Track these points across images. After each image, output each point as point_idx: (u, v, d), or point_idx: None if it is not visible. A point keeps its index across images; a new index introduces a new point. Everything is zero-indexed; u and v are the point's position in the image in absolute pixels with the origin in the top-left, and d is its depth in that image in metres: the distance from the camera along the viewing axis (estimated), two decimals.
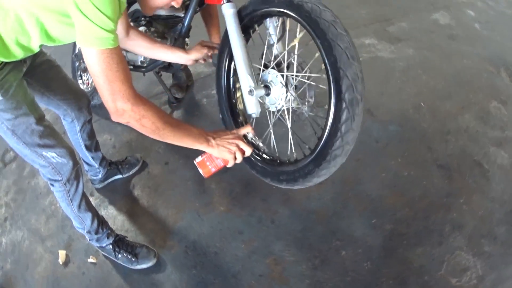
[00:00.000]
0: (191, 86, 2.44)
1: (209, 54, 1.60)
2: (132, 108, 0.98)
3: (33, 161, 1.30)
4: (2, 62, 1.10)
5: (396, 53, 2.64)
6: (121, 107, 0.97)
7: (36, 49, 1.14)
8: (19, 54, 1.11)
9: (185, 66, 2.04)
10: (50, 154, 1.27)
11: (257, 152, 1.37)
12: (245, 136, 1.27)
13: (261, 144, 1.36)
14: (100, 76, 0.94)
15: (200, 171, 1.25)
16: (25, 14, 1.00)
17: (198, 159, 1.24)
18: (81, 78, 2.29)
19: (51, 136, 1.26)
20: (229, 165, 1.21)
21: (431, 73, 2.46)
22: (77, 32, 0.92)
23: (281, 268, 1.58)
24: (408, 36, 2.80)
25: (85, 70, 2.26)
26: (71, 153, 1.34)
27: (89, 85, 2.26)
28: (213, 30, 2.37)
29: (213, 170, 1.23)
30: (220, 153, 1.16)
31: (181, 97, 2.31)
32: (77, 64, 2.30)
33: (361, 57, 2.53)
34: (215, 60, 2.54)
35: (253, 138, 1.29)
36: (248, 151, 1.20)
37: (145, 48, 1.47)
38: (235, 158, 1.18)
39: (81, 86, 2.27)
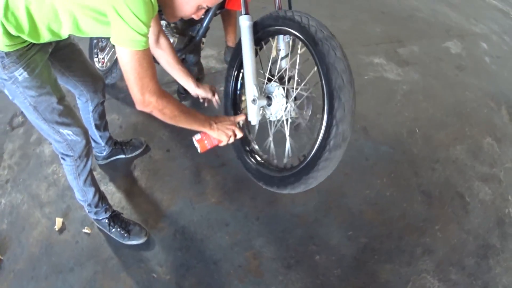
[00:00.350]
0: (201, 80, 2.54)
1: (211, 99, 1.71)
2: (157, 100, 1.14)
3: (48, 135, 1.39)
4: (31, 42, 1.20)
5: (402, 76, 2.71)
6: (148, 100, 1.13)
7: (65, 36, 1.24)
8: (47, 38, 1.20)
9: (198, 61, 2.14)
10: (66, 131, 1.37)
11: (280, 167, 1.52)
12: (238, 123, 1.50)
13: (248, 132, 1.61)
14: (132, 73, 1.08)
15: (197, 146, 1.45)
16: (61, 7, 1.09)
17: (197, 137, 1.45)
18: (97, 56, 2.38)
19: (69, 115, 1.36)
20: (221, 145, 1.45)
21: (432, 101, 2.53)
22: (113, 32, 1.03)
23: (258, 262, 1.69)
24: (416, 61, 2.86)
25: (102, 49, 2.36)
26: (86, 133, 1.44)
27: (104, 64, 2.36)
28: (230, 29, 2.47)
29: (208, 147, 1.45)
30: (218, 135, 1.41)
31: None
32: (95, 41, 2.39)
33: (367, 75, 2.66)
34: (227, 57, 2.66)
35: (243, 124, 1.51)
36: (240, 135, 1.46)
37: (167, 63, 1.58)
38: (229, 140, 1.43)
39: (96, 64, 2.37)
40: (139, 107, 1.16)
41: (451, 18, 3.46)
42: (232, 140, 1.44)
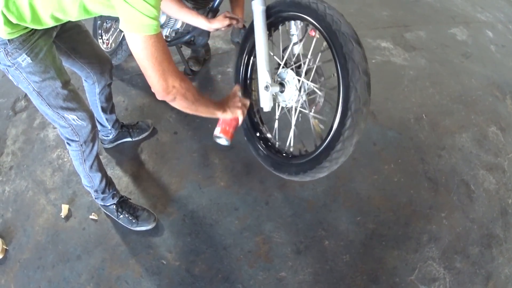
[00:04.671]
0: (208, 61, 2.50)
1: (230, 24, 1.68)
2: (181, 83, 1.09)
3: (53, 121, 1.35)
4: (34, 28, 1.14)
5: (409, 61, 2.69)
6: (171, 84, 1.07)
7: (72, 20, 1.18)
8: (51, 24, 1.14)
9: (206, 42, 2.10)
10: (71, 116, 1.32)
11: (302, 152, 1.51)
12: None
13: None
14: (149, 59, 1.01)
15: (224, 137, 1.44)
16: None
17: (217, 131, 1.44)
18: (102, 38, 2.32)
19: (74, 100, 1.31)
20: (240, 121, 1.45)
21: (438, 87, 2.52)
22: (122, 19, 0.97)
23: (268, 247, 1.69)
24: (423, 46, 2.84)
25: (106, 30, 2.29)
26: (91, 117, 1.40)
27: (109, 45, 2.30)
28: (237, 9, 2.39)
29: (232, 130, 1.45)
30: (234, 114, 1.40)
31: (197, 70, 2.37)
32: (99, 22, 2.32)
33: (374, 59, 2.63)
34: (233, 38, 2.61)
35: (243, 93, 1.54)
36: (248, 103, 1.48)
37: (174, 10, 1.55)
38: (243, 114, 1.44)
39: (101, 46, 2.31)
40: (161, 95, 1.10)
41: (457, 5, 3.42)
42: (245, 113, 1.45)
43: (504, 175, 2.09)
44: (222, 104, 1.38)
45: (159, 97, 1.11)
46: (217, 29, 1.67)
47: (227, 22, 1.64)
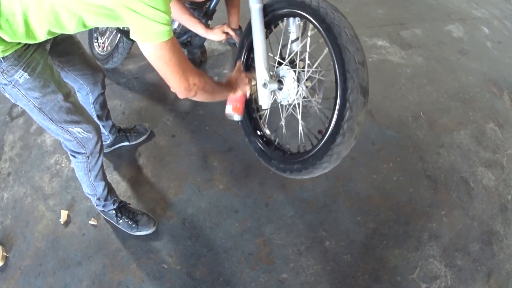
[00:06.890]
0: (204, 62, 2.49)
1: (225, 40, 1.74)
2: (200, 78, 1.11)
3: (57, 135, 1.32)
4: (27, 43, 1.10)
5: (406, 59, 2.69)
6: (192, 82, 1.10)
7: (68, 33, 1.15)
8: (45, 38, 1.11)
9: (203, 43, 2.09)
10: (76, 129, 1.29)
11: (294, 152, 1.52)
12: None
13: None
14: (168, 64, 1.02)
15: (234, 115, 1.51)
16: (62, 9, 1.00)
17: (228, 110, 1.52)
18: (97, 41, 2.30)
19: (77, 112, 1.28)
20: (247, 95, 1.52)
21: (436, 85, 2.52)
22: (133, 30, 0.95)
23: (269, 249, 1.69)
24: (419, 44, 2.84)
25: (102, 33, 2.28)
26: (97, 129, 1.37)
27: (105, 49, 2.28)
28: (233, 10, 2.39)
29: (242, 106, 1.52)
30: (242, 90, 1.47)
31: None
32: None
33: (371, 58, 2.63)
34: (229, 39, 2.60)
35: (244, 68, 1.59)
36: (251, 76, 1.52)
37: (175, 13, 1.56)
38: (250, 88, 1.50)
39: (97, 49, 2.30)
40: (183, 94, 1.12)
41: (452, 2, 3.43)
42: (251, 84, 1.51)
43: (503, 171, 2.10)
44: (231, 84, 1.43)
45: (181, 96, 1.12)
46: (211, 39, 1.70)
47: (223, 37, 1.69)
